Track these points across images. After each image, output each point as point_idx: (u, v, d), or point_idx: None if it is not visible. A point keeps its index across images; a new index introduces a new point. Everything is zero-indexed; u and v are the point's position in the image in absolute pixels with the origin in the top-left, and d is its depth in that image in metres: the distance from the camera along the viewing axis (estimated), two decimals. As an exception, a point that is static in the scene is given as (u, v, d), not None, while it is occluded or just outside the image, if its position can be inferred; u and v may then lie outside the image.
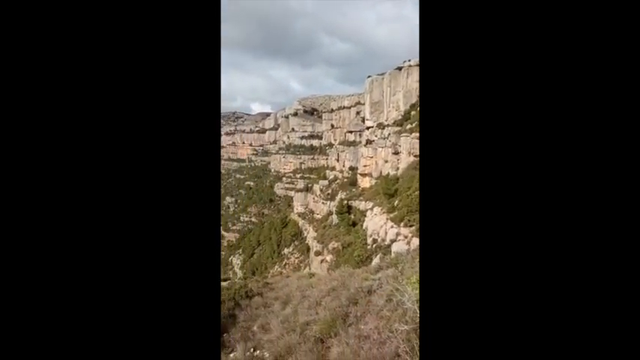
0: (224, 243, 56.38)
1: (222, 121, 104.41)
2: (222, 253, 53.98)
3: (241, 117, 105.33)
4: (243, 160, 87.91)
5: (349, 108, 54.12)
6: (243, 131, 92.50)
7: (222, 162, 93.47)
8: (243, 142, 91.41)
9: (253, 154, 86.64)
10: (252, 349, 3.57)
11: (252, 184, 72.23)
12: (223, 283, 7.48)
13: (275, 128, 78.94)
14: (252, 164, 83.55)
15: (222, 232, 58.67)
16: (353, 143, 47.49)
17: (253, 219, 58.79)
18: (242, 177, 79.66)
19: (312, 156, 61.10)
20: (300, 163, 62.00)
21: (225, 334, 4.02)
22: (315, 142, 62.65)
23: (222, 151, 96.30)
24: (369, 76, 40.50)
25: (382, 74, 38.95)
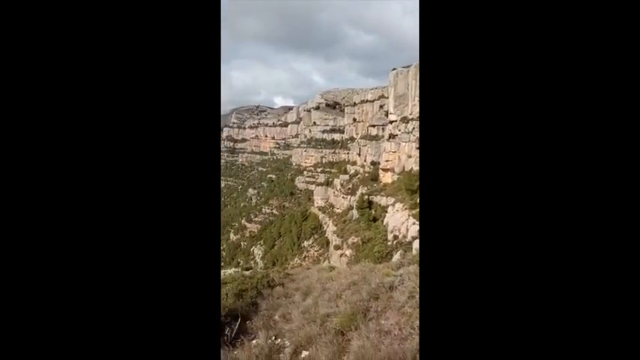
0: (246, 233, 57.98)
1: (246, 114, 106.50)
2: (244, 243, 55.52)
3: (264, 110, 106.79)
4: (265, 153, 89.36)
5: (372, 101, 53.21)
6: (266, 125, 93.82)
7: (246, 155, 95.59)
8: (266, 136, 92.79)
9: (275, 147, 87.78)
10: (273, 337, 3.67)
11: (273, 177, 73.43)
12: (246, 272, 7.72)
13: (297, 122, 79.36)
14: (275, 157, 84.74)
15: (245, 223, 60.32)
16: (375, 137, 46.78)
17: (274, 211, 59.90)
18: (264, 170, 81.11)
19: (333, 150, 60.93)
20: (321, 157, 62.06)
21: (247, 322, 4.15)
22: (337, 136, 62.34)
23: (246, 144, 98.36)
24: (393, 69, 39.49)
25: (407, 67, 37.81)
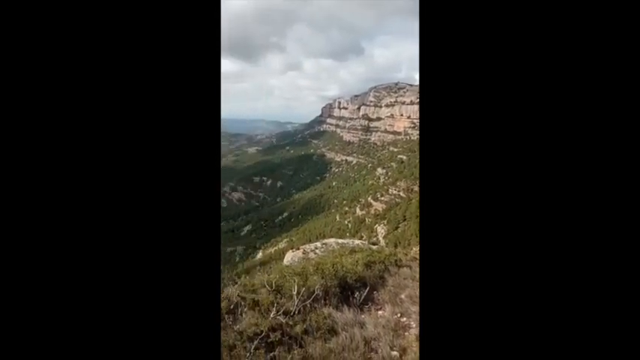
0: (371, 211, 59.76)
1: (384, 92, 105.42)
2: (369, 219, 57.50)
3: (403, 88, 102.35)
4: (399, 133, 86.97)
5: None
6: (403, 103, 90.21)
7: (379, 134, 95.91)
8: (401, 114, 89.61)
9: (410, 127, 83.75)
10: (399, 314, 3.69)
11: (404, 157, 70.99)
12: (373, 246, 8.00)
13: (438, 100, 72.15)
14: (408, 137, 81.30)
15: (371, 201, 62.04)
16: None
17: (401, 193, 58.53)
18: (396, 150, 79.46)
19: (480, 133, 52.44)
20: (464, 141, 54.71)
21: (375, 292, 4.34)
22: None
23: (380, 123, 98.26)
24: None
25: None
